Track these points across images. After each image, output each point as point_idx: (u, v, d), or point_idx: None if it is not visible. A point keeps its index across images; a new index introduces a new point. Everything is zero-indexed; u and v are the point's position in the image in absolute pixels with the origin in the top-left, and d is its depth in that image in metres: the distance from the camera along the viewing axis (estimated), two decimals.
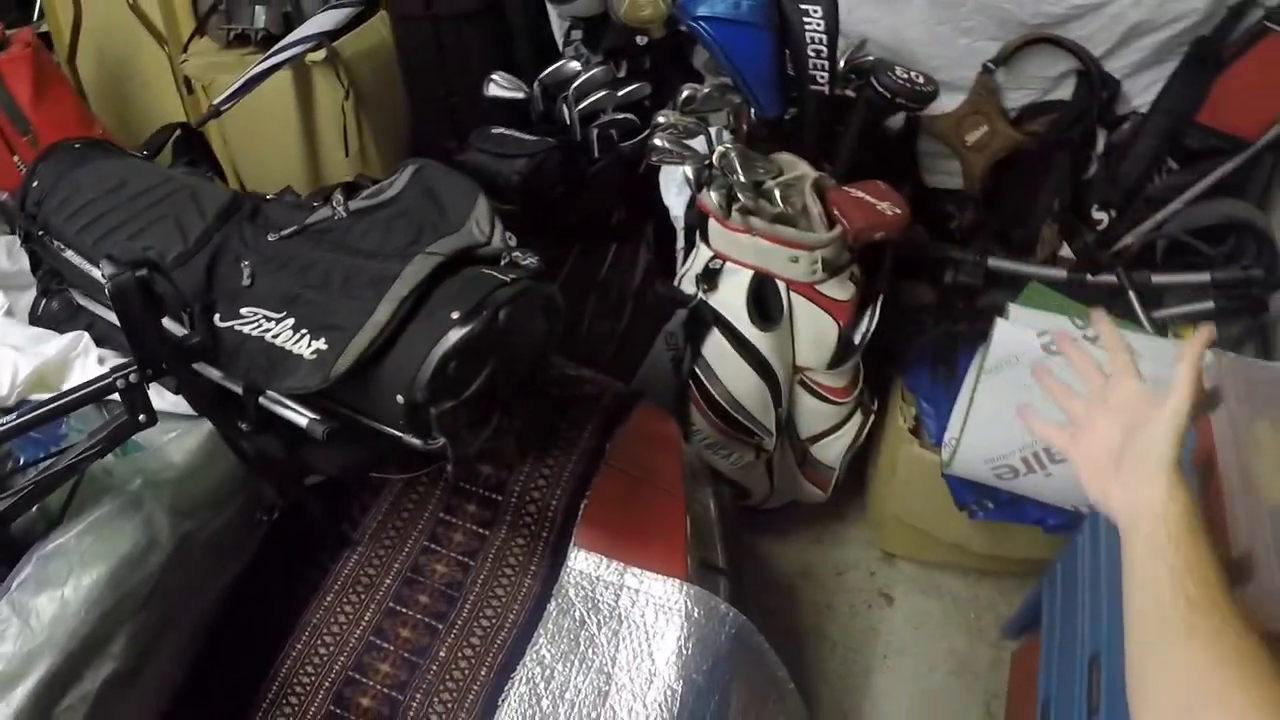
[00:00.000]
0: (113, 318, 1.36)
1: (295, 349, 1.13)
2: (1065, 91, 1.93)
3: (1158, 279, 1.79)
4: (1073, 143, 1.92)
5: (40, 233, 1.38)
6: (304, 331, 1.14)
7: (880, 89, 1.63)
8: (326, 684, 1.29)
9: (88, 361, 1.35)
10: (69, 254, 1.35)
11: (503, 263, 1.24)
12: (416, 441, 1.12)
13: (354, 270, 1.21)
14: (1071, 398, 0.96)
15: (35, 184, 1.40)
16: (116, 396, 1.25)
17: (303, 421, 1.13)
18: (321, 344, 1.12)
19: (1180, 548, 0.76)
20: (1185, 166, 1.85)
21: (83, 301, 1.40)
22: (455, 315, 1.08)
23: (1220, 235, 1.83)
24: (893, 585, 2.12)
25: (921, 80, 1.65)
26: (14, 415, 1.09)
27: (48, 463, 1.14)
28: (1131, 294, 1.78)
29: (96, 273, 1.32)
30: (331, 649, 1.32)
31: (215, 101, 1.61)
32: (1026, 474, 1.65)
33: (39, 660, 1.02)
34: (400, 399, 1.09)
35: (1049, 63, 1.91)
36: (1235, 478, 1.19)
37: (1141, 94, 1.90)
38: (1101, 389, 0.93)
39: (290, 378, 1.11)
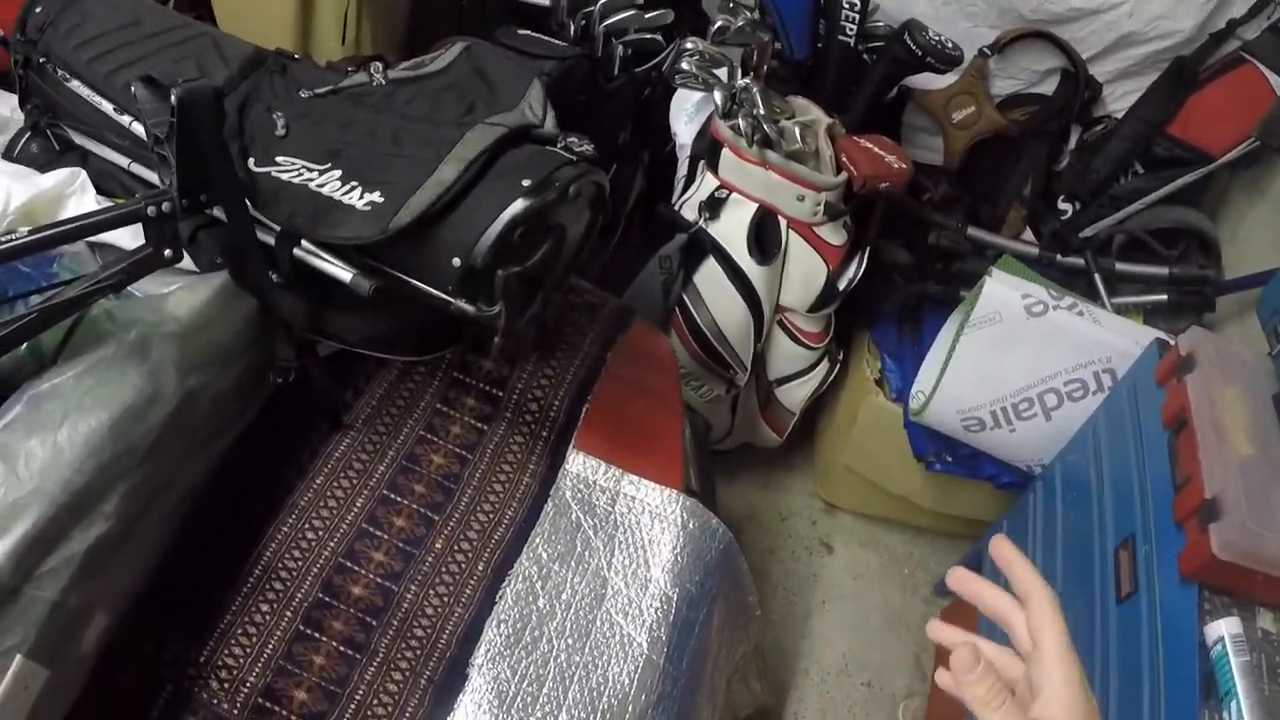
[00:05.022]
0: (114, 157, 1.22)
1: (345, 199, 1.02)
2: (1049, 87, 1.96)
3: (1121, 267, 1.84)
4: (1050, 135, 1.96)
5: (42, 59, 1.22)
6: (354, 184, 1.03)
7: (913, 45, 1.61)
8: (315, 570, 1.16)
9: (84, 200, 1.20)
10: (74, 84, 1.19)
11: (559, 146, 1.15)
12: (468, 308, 1.02)
13: (403, 131, 1.10)
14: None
15: (38, 9, 1.23)
16: (111, 238, 1.13)
17: (346, 276, 1.02)
18: (376, 196, 1.01)
19: None
20: (1150, 172, 1.90)
21: (80, 140, 1.25)
22: (526, 183, 1.00)
23: (1173, 239, 1.90)
24: (833, 535, 2.11)
25: (950, 44, 1.64)
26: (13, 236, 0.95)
27: (51, 293, 1.00)
28: (1098, 277, 1.81)
29: (106, 105, 1.17)
30: (320, 534, 1.19)
31: None
32: (993, 428, 1.67)
33: (25, 512, 0.86)
34: (457, 261, 0.99)
35: (1040, 57, 1.94)
36: (1210, 432, 1.28)
37: (1119, 100, 1.95)
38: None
39: (341, 228, 1.00)
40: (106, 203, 1.21)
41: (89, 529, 0.92)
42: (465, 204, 1.00)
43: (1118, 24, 1.86)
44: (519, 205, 0.99)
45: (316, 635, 1.14)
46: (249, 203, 1.04)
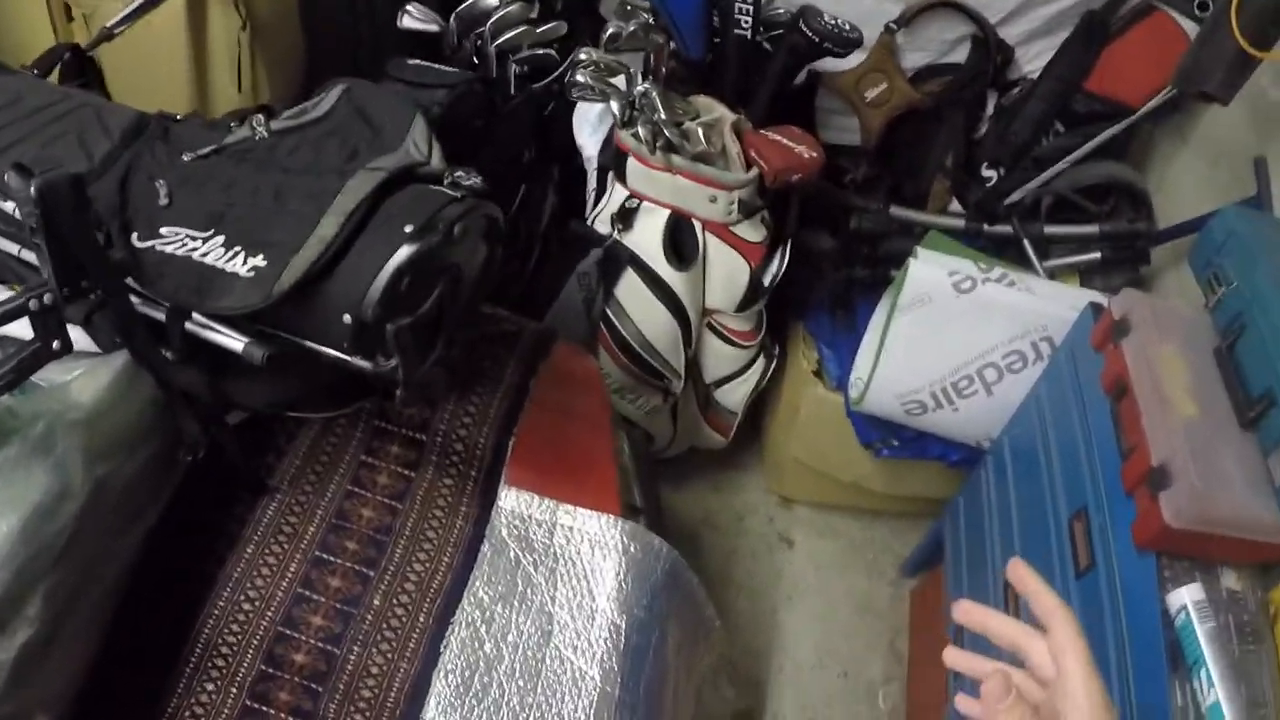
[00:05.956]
0: (3, 244, 1.20)
1: (229, 267, 1.02)
2: (961, 55, 1.97)
3: (1050, 230, 1.86)
4: (966, 103, 1.97)
5: None
6: (237, 249, 1.03)
7: (809, 33, 1.62)
8: (255, 642, 1.16)
9: None
10: None
11: (446, 183, 1.15)
12: (365, 364, 1.02)
13: (285, 186, 1.10)
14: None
15: None
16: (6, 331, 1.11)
17: (237, 346, 1.02)
18: (259, 261, 1.01)
19: None
20: (1071, 130, 1.91)
21: None
22: (409, 229, 1.00)
23: (1102, 195, 1.92)
24: (791, 529, 2.13)
25: (848, 27, 1.66)
26: None
27: None
28: (1027, 243, 1.83)
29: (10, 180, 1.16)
30: (257, 604, 1.19)
31: (108, 24, 1.46)
32: (935, 409, 1.68)
33: None
34: (348, 318, 0.99)
35: (948, 26, 1.95)
36: (1152, 397, 1.27)
37: (1033, 60, 1.97)
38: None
39: (225, 297, 1.00)
40: (3, 291, 1.20)
41: (13, 636, 0.92)
42: (349, 258, 1.00)
43: None
44: (403, 253, 0.99)
45: (264, 709, 1.14)
46: (135, 280, 1.04)
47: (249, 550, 1.23)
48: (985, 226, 1.89)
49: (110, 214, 1.08)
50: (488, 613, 1.22)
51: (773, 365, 1.94)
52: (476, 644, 1.19)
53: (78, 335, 1.12)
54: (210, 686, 1.14)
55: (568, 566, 1.28)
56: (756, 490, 2.22)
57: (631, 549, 1.30)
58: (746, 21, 1.64)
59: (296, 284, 0.98)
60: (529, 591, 1.25)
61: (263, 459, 1.31)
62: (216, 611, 1.18)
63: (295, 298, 0.99)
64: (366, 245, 1.01)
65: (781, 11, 1.78)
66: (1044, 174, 1.87)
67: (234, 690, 1.14)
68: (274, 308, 0.99)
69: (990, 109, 2.00)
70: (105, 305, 1.02)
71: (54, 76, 1.44)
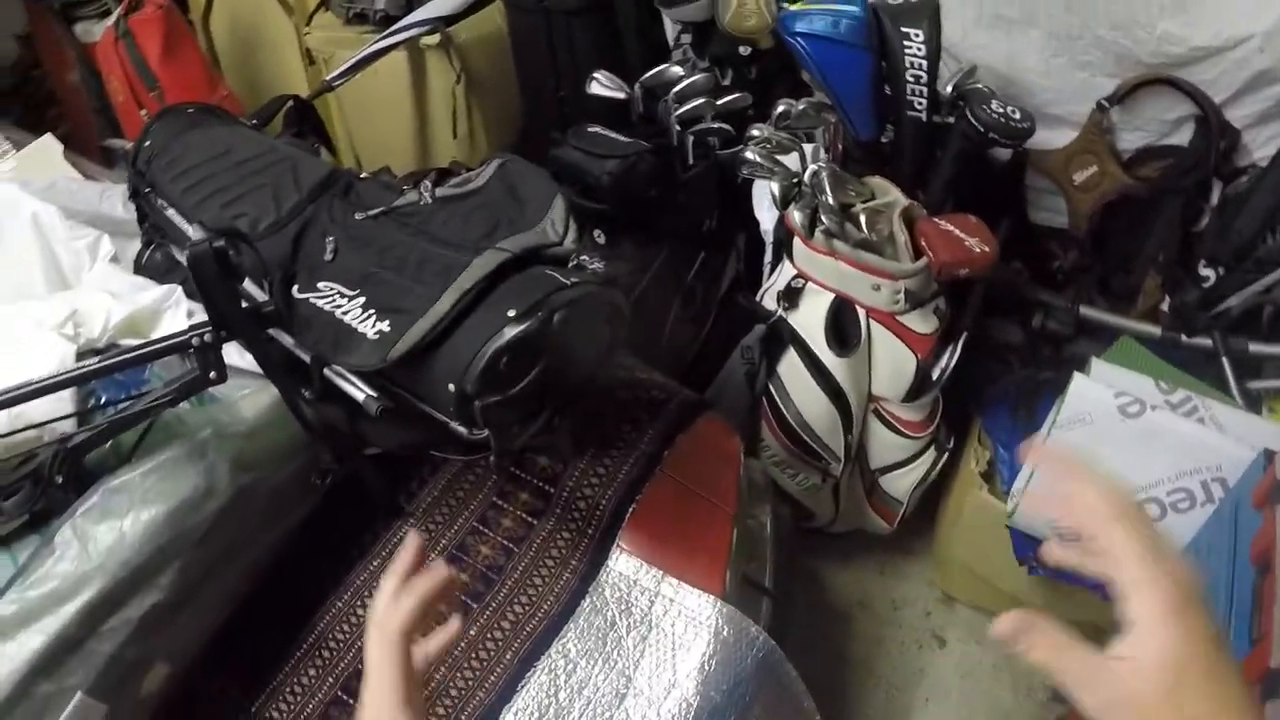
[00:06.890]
0: None
1: (361, 328, 1.18)
2: (1182, 137, 1.86)
3: (1256, 348, 1.71)
4: (1186, 191, 1.84)
5: (147, 189, 1.47)
6: (371, 312, 1.19)
7: (974, 122, 1.60)
8: (359, 644, 1.35)
9: (178, 313, 1.44)
10: (170, 212, 1.43)
11: (571, 265, 1.27)
12: (463, 430, 1.16)
13: (429, 256, 1.25)
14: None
15: (148, 142, 1.48)
16: None
17: (360, 396, 1.18)
18: (385, 326, 1.17)
19: None
20: None
21: (180, 257, 1.49)
22: (512, 313, 1.12)
23: None
24: (947, 628, 2.09)
25: (1017, 116, 1.61)
26: (99, 358, 1.17)
27: (125, 405, 1.23)
28: (1225, 361, 1.71)
29: (193, 232, 1.40)
30: (369, 612, 1.37)
31: (328, 77, 1.69)
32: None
33: (90, 582, 1.11)
34: (451, 388, 1.13)
35: (1167, 106, 1.84)
36: None
37: (1263, 146, 1.81)
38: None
39: (353, 355, 1.17)
40: (202, 314, 1.44)
41: (145, 598, 1.16)
42: (458, 333, 1.14)
43: (1248, 61, 1.72)
44: (504, 335, 1.11)
45: (351, 702, 1.32)
46: (286, 328, 1.23)
47: (374, 564, 1.42)
48: (1183, 338, 1.77)
49: (281, 263, 1.28)
50: (571, 664, 1.32)
51: (944, 459, 1.90)
52: (552, 691, 1.30)
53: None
54: (312, 672, 1.35)
55: (658, 636, 1.36)
56: (920, 580, 2.19)
57: (724, 632, 1.35)
58: (920, 104, 1.63)
59: (408, 352, 1.13)
60: (615, 653, 1.34)
61: (406, 485, 1.49)
62: (334, 611, 1.38)
63: (410, 362, 1.14)
64: (475, 323, 1.14)
65: (982, 86, 1.75)
66: (1266, 278, 1.72)
67: (330, 680, 1.34)
68: (392, 369, 1.14)
69: (1215, 199, 1.85)
70: None
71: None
